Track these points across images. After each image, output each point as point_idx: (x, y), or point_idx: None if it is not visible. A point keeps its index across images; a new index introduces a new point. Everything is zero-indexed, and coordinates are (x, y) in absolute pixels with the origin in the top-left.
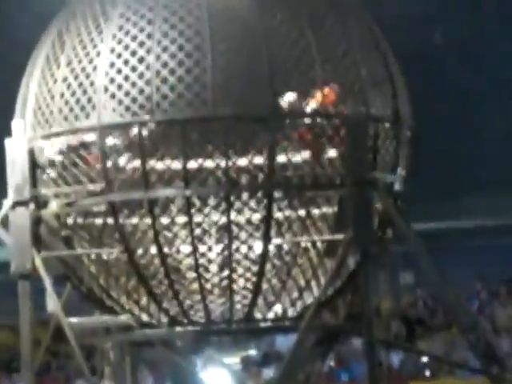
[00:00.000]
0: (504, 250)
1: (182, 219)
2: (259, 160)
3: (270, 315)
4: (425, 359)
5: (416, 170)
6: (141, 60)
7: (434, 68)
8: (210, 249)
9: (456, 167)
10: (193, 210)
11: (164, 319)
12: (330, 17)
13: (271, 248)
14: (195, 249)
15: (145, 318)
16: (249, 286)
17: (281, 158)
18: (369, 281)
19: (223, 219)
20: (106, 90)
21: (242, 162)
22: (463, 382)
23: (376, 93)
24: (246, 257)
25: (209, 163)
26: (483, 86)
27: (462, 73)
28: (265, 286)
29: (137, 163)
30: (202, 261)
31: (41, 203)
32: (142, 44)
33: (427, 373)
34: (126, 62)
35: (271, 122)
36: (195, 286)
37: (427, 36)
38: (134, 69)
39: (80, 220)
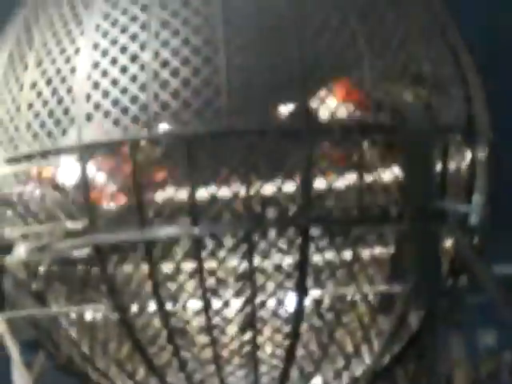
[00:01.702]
0: None
1: (189, 266)
2: (290, 186)
3: None
4: None
5: (497, 197)
6: (133, 58)
7: None
8: (226, 304)
9: None
10: (204, 254)
11: None
12: (385, 6)
13: (308, 302)
14: (207, 304)
15: None
16: (279, 352)
17: (319, 184)
18: (437, 344)
19: (244, 265)
20: (89, 98)
21: (268, 189)
22: None
23: (443, 96)
24: (274, 314)
25: (224, 191)
26: None
27: None
28: (300, 352)
29: (130, 193)
30: (216, 320)
31: (4, 248)
32: (134, 37)
33: None
34: (114, 61)
35: (306, 137)
36: (208, 353)
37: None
38: (124, 70)
39: (56, 269)
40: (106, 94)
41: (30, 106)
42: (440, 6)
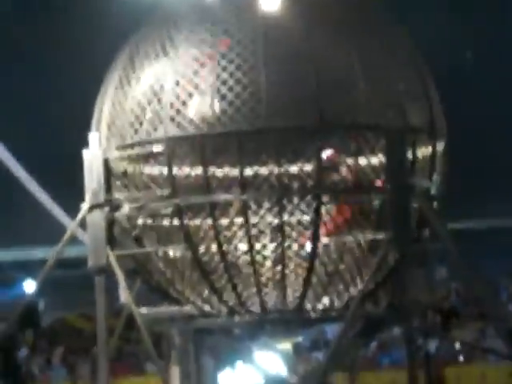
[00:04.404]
0: None
1: (239, 220)
2: (308, 167)
3: (319, 306)
4: (458, 346)
5: (450, 175)
6: (203, 79)
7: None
8: (264, 247)
9: (489, 175)
10: (249, 212)
11: (223, 309)
12: (374, 41)
13: (320, 246)
14: (251, 247)
15: (206, 308)
16: (300, 280)
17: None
18: (407, 275)
19: (276, 220)
20: (172, 106)
21: (293, 169)
22: (494, 367)
23: (414, 107)
24: (296, 254)
25: (263, 170)
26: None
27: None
28: (314, 280)
29: (199, 170)
30: (257, 257)
31: (114, 206)
32: (203, 64)
33: (461, 358)
34: (190, 81)
35: (318, 134)
36: (251, 279)
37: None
38: (196, 86)
39: (149, 221)
40: (183, 103)
41: (132, 111)
42: (413, 45)
